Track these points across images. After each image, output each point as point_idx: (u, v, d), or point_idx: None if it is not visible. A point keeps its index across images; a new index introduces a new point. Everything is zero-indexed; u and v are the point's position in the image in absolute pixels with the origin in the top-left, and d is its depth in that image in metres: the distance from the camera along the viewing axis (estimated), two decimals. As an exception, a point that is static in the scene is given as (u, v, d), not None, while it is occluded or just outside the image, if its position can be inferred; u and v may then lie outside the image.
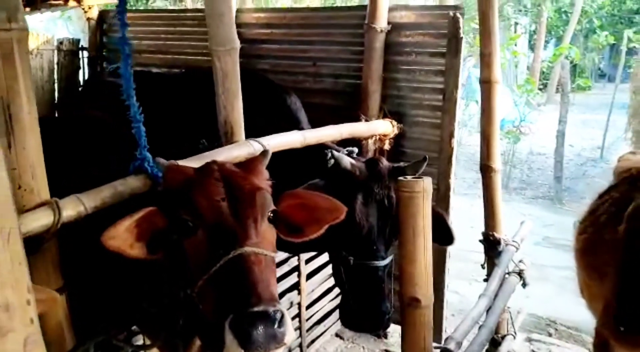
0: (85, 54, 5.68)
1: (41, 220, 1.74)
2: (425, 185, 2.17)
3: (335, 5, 11.69)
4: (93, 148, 2.55)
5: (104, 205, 1.90)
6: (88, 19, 5.64)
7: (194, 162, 2.03)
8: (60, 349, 1.96)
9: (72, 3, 5.51)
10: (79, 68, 5.70)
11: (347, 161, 2.65)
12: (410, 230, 2.20)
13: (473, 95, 12.65)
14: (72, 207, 1.80)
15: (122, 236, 1.68)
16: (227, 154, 2.28)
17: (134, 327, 2.46)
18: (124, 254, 1.69)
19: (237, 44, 2.37)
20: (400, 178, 2.24)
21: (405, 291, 2.26)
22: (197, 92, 3.20)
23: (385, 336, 4.40)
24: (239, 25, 3.88)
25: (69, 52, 5.57)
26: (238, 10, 4.51)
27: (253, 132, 2.58)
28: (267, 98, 3.13)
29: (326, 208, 1.99)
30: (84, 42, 5.78)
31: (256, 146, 2.43)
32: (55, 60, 5.60)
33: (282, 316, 1.57)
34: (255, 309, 1.53)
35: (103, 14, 5.68)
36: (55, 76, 5.62)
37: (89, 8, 5.57)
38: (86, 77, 5.70)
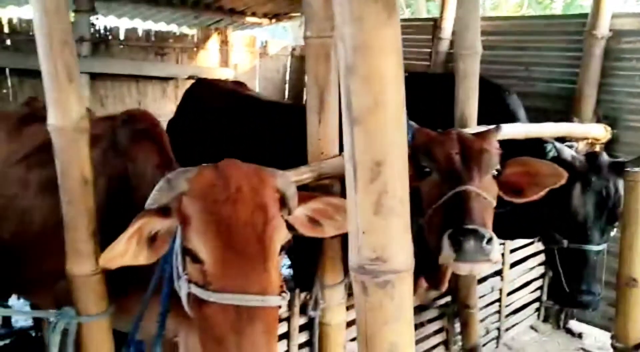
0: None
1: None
2: (651, 176, 2.38)
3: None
4: None
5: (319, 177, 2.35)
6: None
7: None
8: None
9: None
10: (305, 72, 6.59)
11: (568, 152, 2.92)
12: (632, 215, 2.42)
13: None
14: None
15: None
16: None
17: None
18: None
19: (480, 49, 2.78)
20: (628, 169, 2.46)
21: (623, 272, 2.48)
22: (422, 92, 3.68)
23: (580, 336, 4.45)
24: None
25: (300, 57, 6.49)
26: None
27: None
28: (488, 96, 3.47)
29: (548, 174, 2.36)
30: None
31: (487, 131, 2.82)
32: (288, 64, 6.58)
33: (492, 237, 1.99)
34: (470, 226, 2.01)
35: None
36: (287, 77, 6.60)
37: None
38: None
